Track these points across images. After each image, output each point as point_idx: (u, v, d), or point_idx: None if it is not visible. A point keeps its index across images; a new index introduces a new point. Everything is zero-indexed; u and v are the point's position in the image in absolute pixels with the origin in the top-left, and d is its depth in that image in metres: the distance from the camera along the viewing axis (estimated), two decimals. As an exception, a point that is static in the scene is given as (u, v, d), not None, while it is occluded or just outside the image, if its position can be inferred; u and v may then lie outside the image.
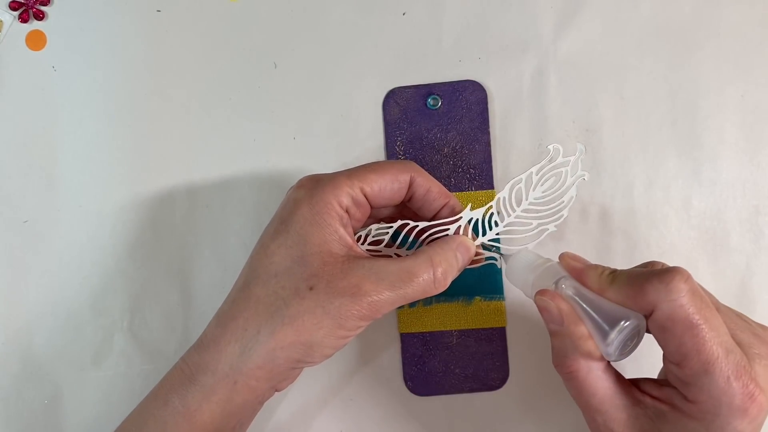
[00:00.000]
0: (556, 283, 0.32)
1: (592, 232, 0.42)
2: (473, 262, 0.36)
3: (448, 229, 0.36)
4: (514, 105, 0.43)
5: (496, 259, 0.37)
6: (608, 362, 0.31)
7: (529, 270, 0.34)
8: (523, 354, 0.42)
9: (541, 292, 0.32)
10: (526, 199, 0.36)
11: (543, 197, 0.36)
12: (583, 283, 0.32)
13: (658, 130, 0.42)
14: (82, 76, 0.44)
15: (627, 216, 0.42)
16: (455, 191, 0.42)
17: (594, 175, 0.42)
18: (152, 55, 0.44)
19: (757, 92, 0.42)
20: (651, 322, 0.29)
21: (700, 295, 0.29)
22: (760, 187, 0.42)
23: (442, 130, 0.43)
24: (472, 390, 0.42)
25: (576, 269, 0.32)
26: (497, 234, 0.36)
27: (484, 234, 0.36)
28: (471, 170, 0.42)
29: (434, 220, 0.36)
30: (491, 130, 0.43)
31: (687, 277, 0.29)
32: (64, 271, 0.43)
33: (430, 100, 0.43)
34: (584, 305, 0.31)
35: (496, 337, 0.42)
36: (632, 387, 0.32)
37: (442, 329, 0.42)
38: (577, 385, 0.31)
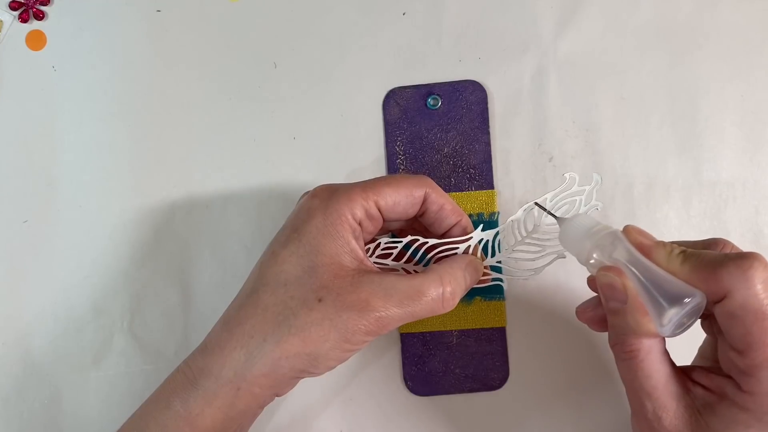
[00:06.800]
0: (612, 251, 0.31)
1: (592, 232, 0.42)
2: (479, 281, 0.36)
3: (458, 247, 0.36)
4: (514, 105, 0.43)
5: (502, 281, 0.37)
6: (665, 348, 0.31)
7: (586, 236, 0.32)
8: (523, 354, 0.42)
9: (606, 268, 0.31)
10: (538, 224, 0.36)
11: (555, 223, 0.35)
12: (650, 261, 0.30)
13: (658, 130, 0.42)
14: (82, 76, 0.44)
15: (627, 216, 0.42)
16: (455, 191, 0.42)
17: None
18: (152, 56, 0.44)
19: (757, 92, 0.42)
20: (720, 306, 0.28)
21: None
22: (760, 187, 0.42)
23: (442, 130, 0.43)
24: (472, 390, 0.42)
25: (643, 245, 0.31)
26: (507, 256, 0.36)
27: (493, 255, 0.36)
28: (471, 170, 0.42)
29: (445, 238, 0.36)
30: (491, 130, 0.43)
31: (765, 264, 0.28)
32: (64, 271, 0.43)
33: (430, 100, 0.43)
34: (642, 278, 0.29)
35: (496, 337, 0.42)
36: (684, 375, 0.31)
37: (442, 329, 0.42)
38: (634, 366, 0.30)
